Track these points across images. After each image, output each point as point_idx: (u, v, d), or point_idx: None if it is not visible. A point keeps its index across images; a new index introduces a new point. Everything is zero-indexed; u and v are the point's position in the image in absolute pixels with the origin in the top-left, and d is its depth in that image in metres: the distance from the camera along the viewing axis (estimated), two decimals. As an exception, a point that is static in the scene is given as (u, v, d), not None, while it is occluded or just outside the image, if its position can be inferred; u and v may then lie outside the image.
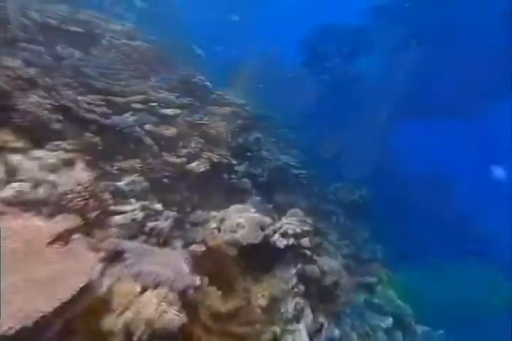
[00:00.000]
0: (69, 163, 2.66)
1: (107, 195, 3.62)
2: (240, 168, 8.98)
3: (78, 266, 1.87)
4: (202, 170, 6.56)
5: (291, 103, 18.73)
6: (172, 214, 5.40)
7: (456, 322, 9.30)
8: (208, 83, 10.04)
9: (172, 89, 8.34)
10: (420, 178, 16.50)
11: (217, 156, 7.00)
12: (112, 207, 3.56)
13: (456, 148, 23.85)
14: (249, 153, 9.76)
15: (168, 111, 6.84)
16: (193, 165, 6.54)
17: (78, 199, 2.30)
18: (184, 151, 6.60)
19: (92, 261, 1.90)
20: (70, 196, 2.27)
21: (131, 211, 3.94)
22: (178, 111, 7.02)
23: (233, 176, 7.77)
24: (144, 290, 2.43)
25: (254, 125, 11.33)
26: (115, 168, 5.16)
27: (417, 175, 16.82)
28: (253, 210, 4.61)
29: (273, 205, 8.34)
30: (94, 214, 2.49)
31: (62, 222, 2.07)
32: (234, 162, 7.54)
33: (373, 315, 6.63)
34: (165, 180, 5.94)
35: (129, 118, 6.04)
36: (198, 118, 7.48)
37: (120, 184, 4.92)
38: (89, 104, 5.28)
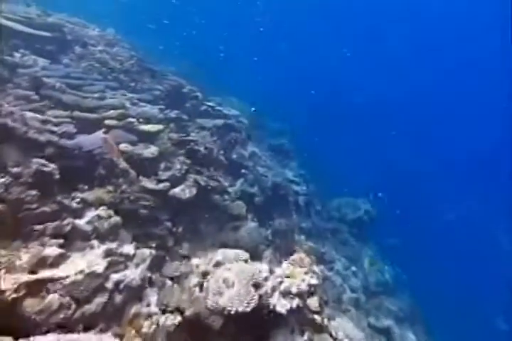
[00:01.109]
0: None
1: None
2: (234, 187, 8.07)
3: None
4: (188, 195, 5.61)
5: (292, 111, 17.94)
6: (148, 254, 4.44)
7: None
8: (198, 94, 9.17)
9: (156, 101, 7.44)
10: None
11: (205, 178, 6.05)
12: (36, 276, 2.58)
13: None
14: (244, 170, 8.87)
15: (149, 128, 5.91)
16: (178, 190, 5.59)
17: None
18: (167, 174, 5.65)
19: None
20: None
21: (78, 273, 2.95)
22: (161, 126, 6.09)
23: (226, 197, 6.81)
24: None
25: (249, 137, 10.43)
26: (76, 200, 4.20)
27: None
28: (244, 256, 3.65)
29: (271, 230, 7.38)
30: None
31: None
32: (226, 184, 6.59)
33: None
34: (142, 211, 4.98)
35: (99, 137, 5.11)
36: (185, 135, 6.55)
37: (80, 222, 3.96)
38: (45, 122, 4.34)
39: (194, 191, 5.71)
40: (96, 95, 6.00)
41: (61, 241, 3.44)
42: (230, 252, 3.64)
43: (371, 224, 10.71)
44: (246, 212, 6.94)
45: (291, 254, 4.34)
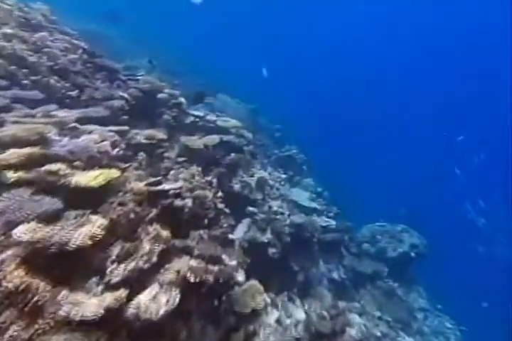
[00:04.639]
0: None
1: None
2: (239, 234, 5.55)
3: None
4: (164, 310, 2.94)
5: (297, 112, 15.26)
6: None
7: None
8: (182, 99, 6.46)
9: (116, 118, 4.72)
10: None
11: (196, 265, 3.40)
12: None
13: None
14: (251, 208, 6.31)
15: (90, 180, 3.19)
16: (143, 302, 2.92)
17: None
18: (123, 270, 2.97)
19: None
20: None
21: None
22: (115, 173, 3.38)
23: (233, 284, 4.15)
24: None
25: (253, 155, 7.75)
26: None
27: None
28: None
29: (304, 323, 4.78)
30: None
31: None
32: (232, 262, 3.92)
33: None
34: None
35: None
36: (159, 179, 3.85)
37: None
38: None
39: (176, 298, 3.05)
40: (4, 115, 3.27)
41: None
42: None
43: (420, 263, 8.23)
44: (262, 293, 4.35)
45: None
